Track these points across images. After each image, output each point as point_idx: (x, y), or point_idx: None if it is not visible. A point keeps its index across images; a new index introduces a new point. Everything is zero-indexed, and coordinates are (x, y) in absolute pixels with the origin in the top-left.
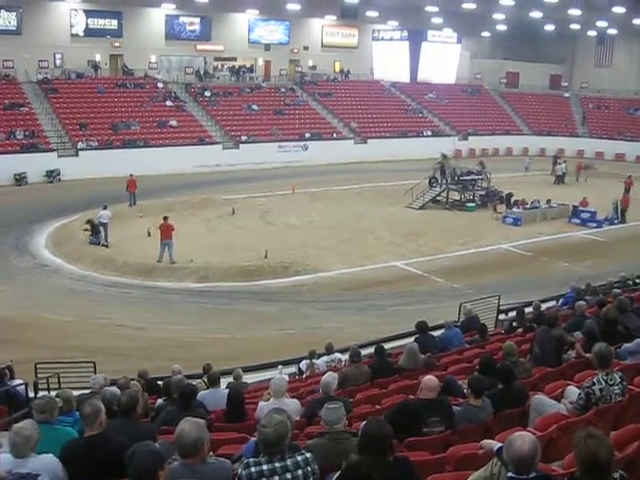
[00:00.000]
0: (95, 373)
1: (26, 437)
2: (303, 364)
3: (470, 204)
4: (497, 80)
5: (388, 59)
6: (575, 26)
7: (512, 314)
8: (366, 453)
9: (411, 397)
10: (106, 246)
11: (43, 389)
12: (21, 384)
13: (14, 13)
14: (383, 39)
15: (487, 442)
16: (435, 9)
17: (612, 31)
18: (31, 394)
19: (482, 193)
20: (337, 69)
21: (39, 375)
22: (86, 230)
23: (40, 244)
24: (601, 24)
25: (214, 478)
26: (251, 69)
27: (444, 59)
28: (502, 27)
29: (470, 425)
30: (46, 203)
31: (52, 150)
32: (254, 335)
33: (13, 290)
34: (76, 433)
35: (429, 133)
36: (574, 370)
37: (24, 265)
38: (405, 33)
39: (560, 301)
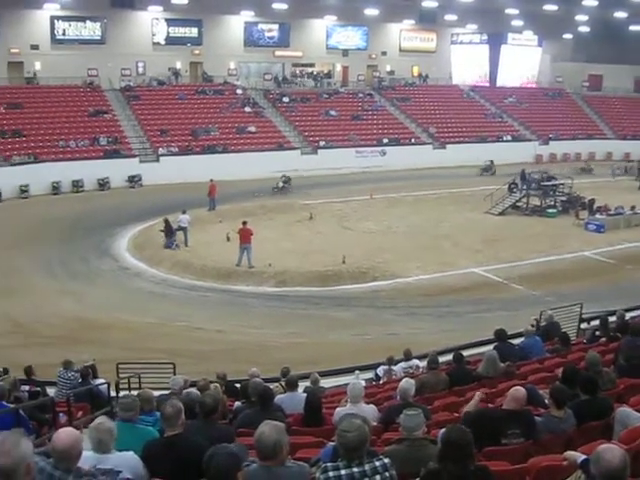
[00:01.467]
0: (175, 374)
1: (109, 431)
2: (380, 370)
3: (551, 210)
4: (579, 83)
5: (467, 63)
6: None
7: (594, 323)
8: (447, 461)
9: (490, 406)
10: (178, 247)
11: (124, 389)
12: (103, 383)
13: (99, 23)
14: (462, 43)
15: (571, 454)
16: (515, 11)
17: None
18: (112, 394)
19: (564, 199)
20: (415, 74)
21: (120, 375)
22: (161, 231)
23: (122, 247)
24: None
25: None
26: (329, 75)
27: (524, 62)
28: (584, 28)
29: (551, 436)
30: (128, 207)
31: (134, 156)
32: (331, 340)
33: (96, 292)
34: (157, 432)
35: (509, 138)
36: None
37: (106, 268)
38: (484, 36)
39: None
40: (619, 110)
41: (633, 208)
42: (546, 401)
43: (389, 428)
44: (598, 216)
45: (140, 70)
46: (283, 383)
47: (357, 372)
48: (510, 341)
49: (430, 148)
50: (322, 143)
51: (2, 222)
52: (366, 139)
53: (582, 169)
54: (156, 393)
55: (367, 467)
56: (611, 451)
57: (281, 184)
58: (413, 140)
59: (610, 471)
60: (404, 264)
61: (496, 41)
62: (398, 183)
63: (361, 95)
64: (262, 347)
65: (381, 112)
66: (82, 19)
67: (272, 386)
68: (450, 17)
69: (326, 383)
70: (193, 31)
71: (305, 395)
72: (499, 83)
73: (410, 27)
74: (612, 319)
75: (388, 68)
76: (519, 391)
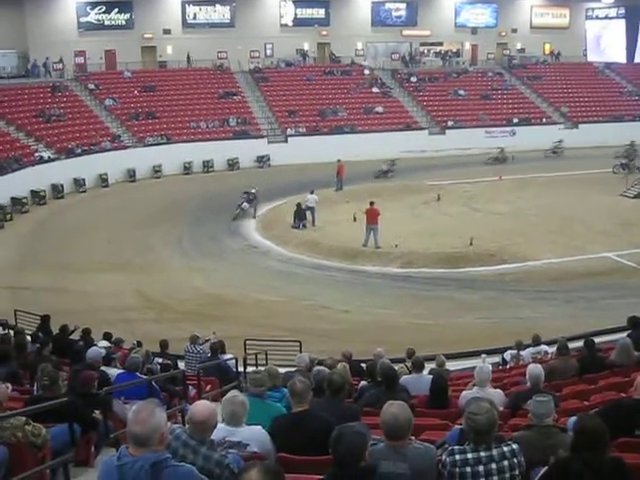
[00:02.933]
0: (301, 352)
1: (242, 404)
2: (507, 354)
3: None
4: None
5: (602, 39)
6: None
7: None
8: (581, 450)
9: (622, 395)
10: (305, 227)
11: (251, 364)
12: (231, 358)
13: (228, 7)
14: (597, 17)
15: None
16: None
17: None
18: (240, 369)
19: None
20: (547, 51)
21: (248, 351)
22: (295, 216)
23: (251, 227)
24: None
25: (418, 462)
26: (457, 53)
27: None
28: None
29: None
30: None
31: (262, 136)
32: (457, 322)
33: (225, 270)
34: (284, 409)
35: None
36: None
37: (236, 246)
38: (622, 10)
39: None
40: None
41: None
42: None
43: (516, 414)
44: None
45: (268, 52)
46: (409, 364)
47: (484, 356)
48: None
49: (562, 128)
50: (450, 123)
51: (136, 201)
52: (495, 119)
53: None
54: (282, 370)
55: (495, 452)
56: None
57: (385, 167)
58: (544, 120)
59: None
60: (533, 247)
61: (634, 15)
62: (528, 164)
63: (490, 74)
64: (387, 328)
65: (511, 91)
66: (212, 3)
67: (397, 367)
68: None
69: (451, 366)
70: (320, 12)
71: (431, 377)
72: (637, 60)
73: (542, 3)
74: None
75: (518, 46)
76: None
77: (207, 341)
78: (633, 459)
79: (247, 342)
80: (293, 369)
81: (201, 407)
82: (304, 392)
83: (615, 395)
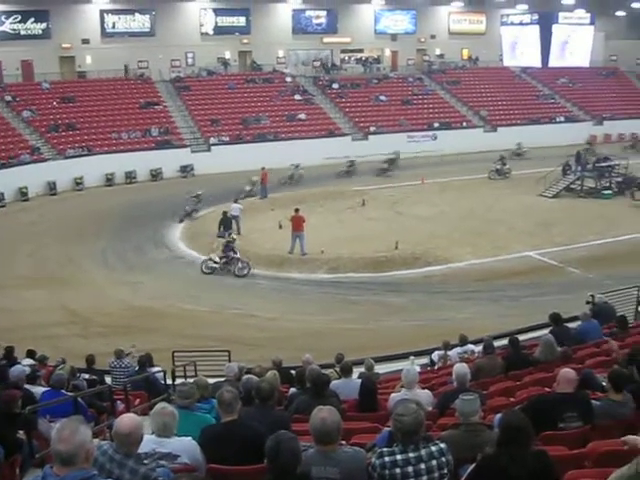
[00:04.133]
0: (230, 362)
1: (172, 414)
2: (435, 355)
3: (607, 192)
4: (634, 61)
5: (517, 44)
6: None
7: None
8: (506, 446)
9: (547, 390)
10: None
11: (180, 377)
12: (160, 371)
13: (147, 16)
14: (512, 24)
15: (632, 438)
16: None
17: None
18: (169, 381)
19: (619, 180)
20: (465, 56)
21: (176, 363)
22: (220, 225)
23: (176, 237)
24: None
25: (349, 466)
26: (378, 60)
27: (577, 42)
28: (638, 5)
29: (611, 421)
30: (180, 197)
31: (185, 146)
32: (385, 326)
33: (152, 281)
34: (213, 419)
35: (562, 119)
36: None
37: (161, 258)
38: (535, 16)
39: None
40: None
41: None
42: (604, 384)
43: (445, 413)
44: None
45: (189, 61)
46: (338, 369)
47: (412, 357)
48: (566, 325)
49: (481, 131)
50: (373, 129)
51: (58, 214)
52: (417, 124)
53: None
54: (212, 380)
55: (423, 452)
56: None
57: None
58: (464, 124)
59: None
60: (457, 249)
61: (547, 21)
62: (450, 167)
63: (411, 79)
64: (316, 334)
65: (431, 96)
66: (131, 12)
67: (327, 372)
68: None
69: (380, 369)
70: (241, 20)
71: (360, 381)
72: (551, 64)
73: (459, 9)
74: None
75: (437, 52)
76: (569, 372)
77: (128, 355)
78: (557, 451)
79: (175, 354)
80: (222, 379)
81: (126, 420)
82: (232, 402)
83: (540, 390)
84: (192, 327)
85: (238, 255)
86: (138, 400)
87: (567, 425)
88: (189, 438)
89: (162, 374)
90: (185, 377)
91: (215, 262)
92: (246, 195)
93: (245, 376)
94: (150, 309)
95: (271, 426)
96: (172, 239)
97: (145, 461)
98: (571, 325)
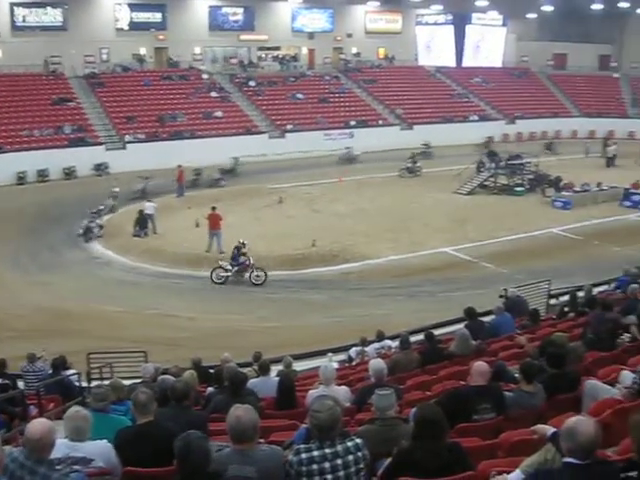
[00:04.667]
0: (146, 362)
1: (85, 418)
2: (353, 351)
3: (519, 188)
4: (544, 62)
5: (432, 44)
6: (624, 4)
7: (563, 299)
8: (421, 439)
9: (462, 383)
10: (146, 235)
11: (96, 379)
12: (74, 374)
13: (59, 9)
14: (427, 23)
15: (540, 427)
16: None
17: None
18: (84, 384)
19: (531, 177)
20: (381, 55)
21: (92, 365)
22: (136, 224)
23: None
24: None
25: (266, 464)
26: (295, 58)
27: (490, 42)
28: (548, 8)
29: (522, 411)
30: (95, 196)
31: (100, 144)
32: (304, 323)
33: (66, 283)
34: (129, 421)
35: (476, 118)
36: (628, 354)
37: (76, 258)
38: (449, 17)
39: (613, 285)
40: (584, 88)
41: (599, 185)
42: (516, 377)
43: (362, 409)
44: (565, 193)
45: (104, 57)
46: (256, 367)
47: (330, 354)
48: (481, 319)
49: (398, 129)
50: (289, 127)
51: None
52: (334, 122)
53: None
54: (128, 382)
55: (340, 448)
56: (586, 423)
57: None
58: (380, 122)
59: (586, 442)
60: (374, 245)
61: (461, 21)
62: (367, 165)
63: (328, 78)
64: (234, 332)
65: (348, 94)
66: (42, 5)
67: (245, 371)
68: None
69: (299, 366)
70: (157, 16)
71: (278, 379)
72: (465, 63)
73: (375, 9)
74: (580, 294)
75: (354, 50)
76: (482, 365)
77: (40, 358)
78: (471, 442)
79: (91, 356)
80: (139, 380)
81: (36, 425)
82: (147, 403)
83: (455, 384)
84: (109, 328)
85: (252, 261)
86: (52, 404)
87: (481, 417)
88: (104, 441)
89: (77, 377)
90: (101, 379)
91: (226, 270)
92: (137, 195)
93: (160, 377)
94: (65, 311)
95: (187, 426)
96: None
97: (58, 467)
98: (485, 319)
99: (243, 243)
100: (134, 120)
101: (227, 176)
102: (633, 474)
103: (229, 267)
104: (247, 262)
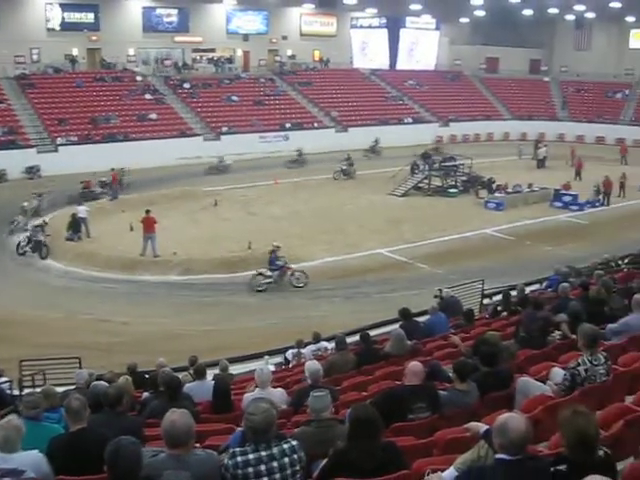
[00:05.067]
0: (80, 369)
1: (16, 428)
2: (289, 353)
3: (452, 190)
4: (477, 66)
5: (367, 47)
6: (553, 10)
7: (496, 298)
8: (356, 439)
9: (397, 383)
10: (80, 239)
11: (28, 386)
12: (5, 382)
13: None
14: (362, 27)
15: (473, 425)
16: None
17: (590, 14)
18: (16, 392)
19: (464, 179)
20: (316, 58)
21: (24, 373)
22: (70, 227)
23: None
24: (579, 8)
25: (201, 469)
26: (230, 60)
27: (423, 46)
28: (480, 12)
29: (456, 409)
30: (27, 200)
31: (31, 146)
32: (240, 326)
33: None
34: (62, 429)
35: (410, 120)
36: (559, 352)
37: (7, 263)
38: (383, 20)
39: (544, 284)
40: (515, 91)
41: (530, 186)
42: (450, 376)
43: (299, 411)
44: (497, 194)
45: (35, 57)
46: (192, 371)
47: (266, 357)
48: (416, 319)
49: (333, 132)
50: (225, 129)
51: None
52: (269, 124)
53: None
54: (62, 389)
55: (275, 450)
56: (516, 419)
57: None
58: (316, 124)
59: (517, 438)
60: (310, 248)
61: (395, 25)
62: (304, 167)
63: (263, 80)
64: (170, 337)
65: (283, 97)
66: None
67: (181, 375)
68: (349, 1)
69: (236, 369)
70: (89, 16)
71: (213, 382)
72: (399, 66)
73: (310, 11)
74: (513, 293)
75: (289, 53)
76: (415, 365)
77: None
78: (406, 442)
79: (23, 363)
80: (73, 387)
81: None
82: (80, 410)
83: (391, 384)
84: (42, 335)
85: (289, 264)
86: None
87: (416, 416)
88: (35, 451)
89: (8, 385)
90: (34, 387)
91: (267, 276)
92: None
93: (93, 383)
94: None
95: (121, 432)
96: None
97: None
98: (421, 319)
99: (277, 246)
100: (66, 122)
101: (108, 188)
102: (562, 468)
103: (269, 273)
104: (285, 265)
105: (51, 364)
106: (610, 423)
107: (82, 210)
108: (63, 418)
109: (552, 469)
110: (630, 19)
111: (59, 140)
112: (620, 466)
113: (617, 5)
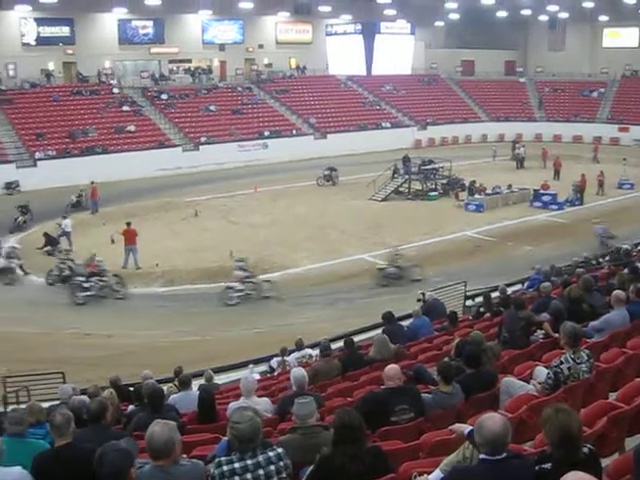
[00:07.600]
0: (64, 383)
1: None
2: (274, 362)
3: (432, 193)
4: (453, 69)
5: (343, 53)
6: (527, 11)
7: (479, 300)
8: (341, 444)
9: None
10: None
11: (12, 403)
12: None
13: None
14: (337, 33)
15: (458, 426)
16: (387, 0)
17: (563, 15)
18: (0, 409)
19: (444, 182)
20: (293, 66)
21: (8, 389)
22: (43, 246)
23: (2, 256)
24: (552, 8)
25: (187, 479)
26: (207, 70)
27: (399, 50)
28: (455, 16)
29: (442, 411)
30: (6, 215)
31: (10, 161)
32: (224, 336)
33: None
34: (48, 445)
35: (388, 125)
36: (542, 351)
37: None
38: (359, 26)
39: (526, 284)
40: (492, 93)
41: (510, 187)
42: (435, 378)
43: (285, 419)
44: (477, 196)
45: (11, 73)
46: (177, 382)
47: (251, 366)
48: (399, 323)
49: (311, 139)
50: (203, 139)
51: None
52: (247, 133)
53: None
54: (47, 404)
55: (261, 458)
56: (492, 419)
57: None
58: (294, 132)
59: (492, 437)
60: (292, 255)
61: (370, 31)
62: (282, 175)
63: (240, 89)
64: (154, 349)
65: (261, 105)
66: None
67: (166, 387)
68: (324, 8)
69: (221, 379)
70: (64, 30)
71: (198, 393)
72: (375, 72)
73: (285, 19)
74: (495, 295)
75: (266, 61)
76: (391, 369)
77: None
78: (393, 445)
79: (7, 379)
80: (58, 402)
81: None
82: (64, 424)
83: (376, 388)
84: (23, 350)
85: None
86: None
87: (400, 418)
88: (18, 468)
89: None
90: (18, 403)
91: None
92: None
93: (76, 397)
94: None
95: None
96: None
97: None
98: (404, 323)
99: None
100: (44, 137)
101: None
102: (546, 466)
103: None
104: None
105: (35, 380)
106: (594, 420)
107: (67, 223)
108: (49, 434)
109: (536, 467)
110: (603, 18)
111: (38, 155)
112: (605, 463)
113: (590, 5)
